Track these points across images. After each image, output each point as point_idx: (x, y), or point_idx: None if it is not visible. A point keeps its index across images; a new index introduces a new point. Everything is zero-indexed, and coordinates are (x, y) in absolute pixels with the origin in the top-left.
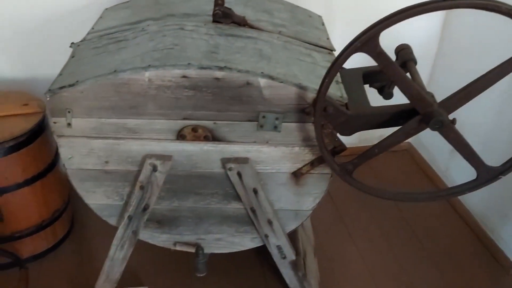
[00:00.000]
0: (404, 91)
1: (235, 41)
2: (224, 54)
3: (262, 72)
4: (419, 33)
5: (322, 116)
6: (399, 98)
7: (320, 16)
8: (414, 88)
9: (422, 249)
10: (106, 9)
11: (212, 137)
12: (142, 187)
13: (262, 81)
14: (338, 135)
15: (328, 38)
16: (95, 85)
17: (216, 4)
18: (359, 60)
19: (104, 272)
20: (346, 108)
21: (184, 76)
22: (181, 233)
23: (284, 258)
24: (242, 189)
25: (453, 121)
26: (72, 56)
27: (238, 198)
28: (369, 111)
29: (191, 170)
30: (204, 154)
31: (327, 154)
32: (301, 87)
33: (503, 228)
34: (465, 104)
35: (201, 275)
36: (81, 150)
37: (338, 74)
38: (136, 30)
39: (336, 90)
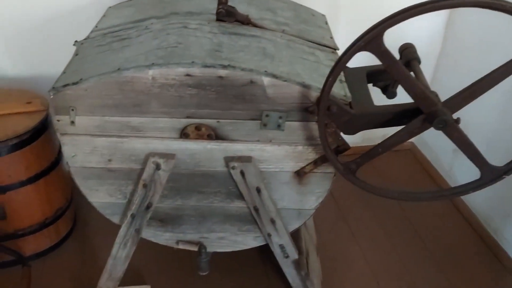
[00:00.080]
0: (408, 90)
1: (239, 40)
2: (227, 53)
3: (265, 71)
4: (422, 32)
5: (326, 115)
6: (402, 97)
7: (323, 15)
8: (418, 87)
9: (425, 248)
10: (110, 7)
11: (215, 135)
12: (145, 186)
13: (266, 80)
14: (341, 134)
15: (331, 37)
16: (98, 83)
17: (219, 3)
18: (363, 59)
19: (106, 270)
20: (350, 107)
21: (187, 75)
22: (184, 232)
23: (287, 257)
24: (245, 187)
25: (457, 120)
26: (76, 54)
27: (241, 196)
28: (372, 110)
29: (194, 168)
30: (207, 153)
31: (331, 153)
32: (305, 86)
33: (506, 229)
34: (469, 103)
35: (204, 273)
36: (85, 148)
37: (342, 73)
38: (139, 28)
39: (340, 89)
